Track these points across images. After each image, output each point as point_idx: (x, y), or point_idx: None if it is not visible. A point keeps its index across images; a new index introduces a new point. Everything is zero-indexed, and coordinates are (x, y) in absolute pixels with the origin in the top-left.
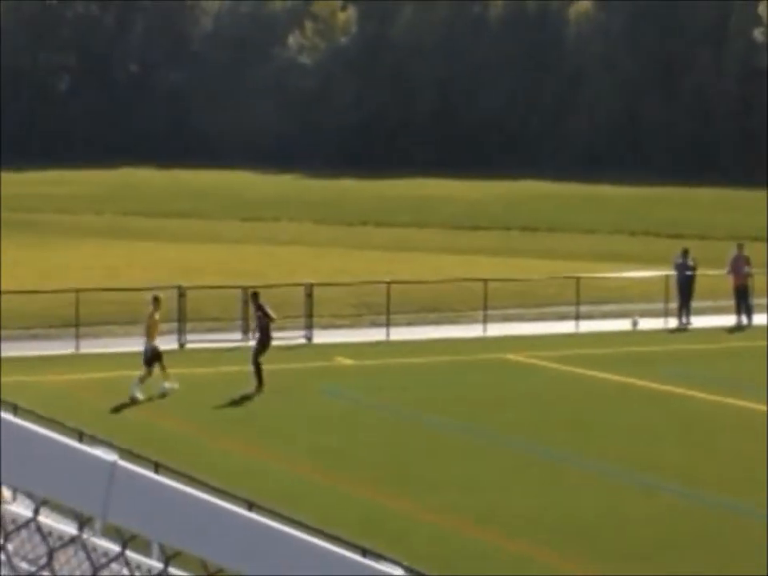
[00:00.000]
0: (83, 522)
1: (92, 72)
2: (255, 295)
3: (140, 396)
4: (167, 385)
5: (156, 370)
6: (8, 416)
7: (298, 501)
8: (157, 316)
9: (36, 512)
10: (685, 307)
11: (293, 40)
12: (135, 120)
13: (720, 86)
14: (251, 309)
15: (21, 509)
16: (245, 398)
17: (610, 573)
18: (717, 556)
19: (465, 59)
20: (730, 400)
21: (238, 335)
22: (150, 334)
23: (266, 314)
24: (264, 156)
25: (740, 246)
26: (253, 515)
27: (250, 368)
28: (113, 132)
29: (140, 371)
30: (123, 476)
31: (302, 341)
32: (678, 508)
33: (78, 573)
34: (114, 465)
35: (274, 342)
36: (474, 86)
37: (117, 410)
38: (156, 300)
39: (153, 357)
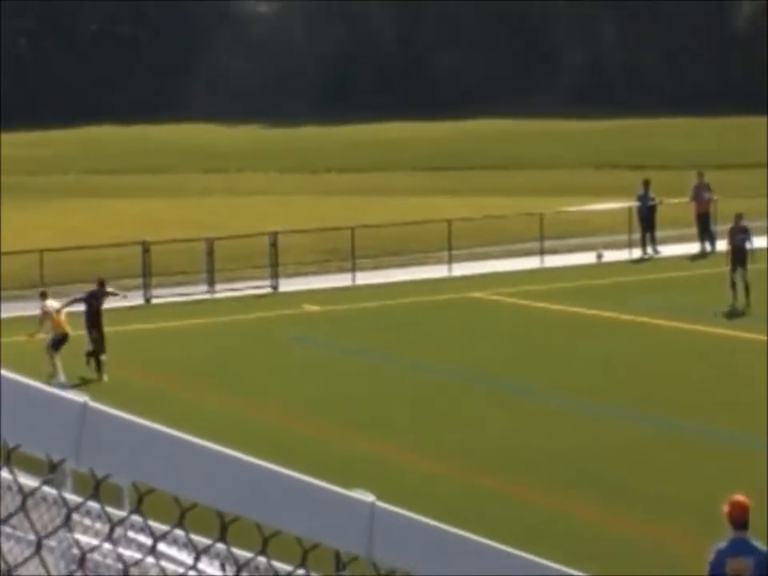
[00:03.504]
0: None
1: (52, 34)
2: (102, 283)
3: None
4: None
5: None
6: None
7: (277, 448)
8: (49, 309)
9: (8, 460)
10: (650, 237)
11: None
12: (97, 79)
13: (682, 19)
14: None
15: None
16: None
17: (582, 503)
18: (695, 480)
19: None
20: (696, 327)
21: (203, 287)
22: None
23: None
24: (223, 107)
25: (700, 174)
26: (229, 452)
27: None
28: (75, 92)
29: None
30: (95, 417)
31: (269, 290)
32: (652, 435)
33: (50, 527)
34: (84, 405)
35: (242, 293)
36: (436, 28)
37: (85, 366)
38: (42, 294)
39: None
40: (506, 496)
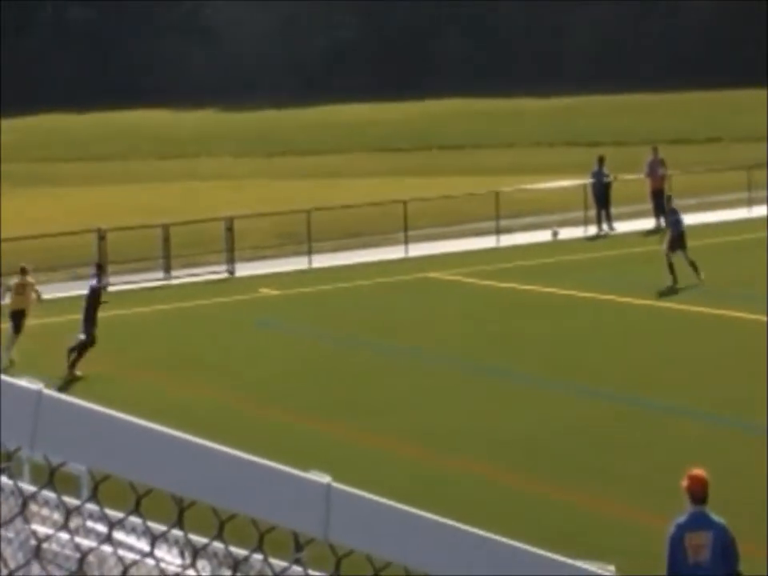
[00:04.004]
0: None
1: (5, 19)
2: (24, 270)
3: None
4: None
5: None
6: None
7: (235, 432)
8: (30, 282)
9: None
10: (605, 214)
11: None
12: (49, 66)
13: None
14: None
15: None
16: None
17: (543, 481)
18: (655, 456)
19: None
20: (652, 302)
21: (160, 274)
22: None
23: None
24: (177, 92)
25: (655, 150)
26: (185, 437)
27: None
28: (27, 79)
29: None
30: (50, 404)
31: (225, 275)
32: (615, 412)
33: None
34: (39, 393)
35: (199, 278)
36: (394, 4)
37: (41, 357)
38: (23, 270)
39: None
40: (469, 477)
